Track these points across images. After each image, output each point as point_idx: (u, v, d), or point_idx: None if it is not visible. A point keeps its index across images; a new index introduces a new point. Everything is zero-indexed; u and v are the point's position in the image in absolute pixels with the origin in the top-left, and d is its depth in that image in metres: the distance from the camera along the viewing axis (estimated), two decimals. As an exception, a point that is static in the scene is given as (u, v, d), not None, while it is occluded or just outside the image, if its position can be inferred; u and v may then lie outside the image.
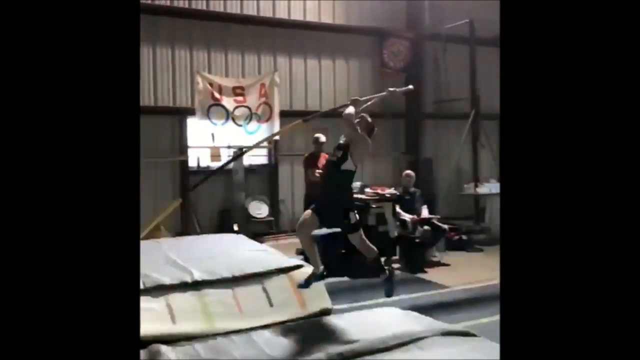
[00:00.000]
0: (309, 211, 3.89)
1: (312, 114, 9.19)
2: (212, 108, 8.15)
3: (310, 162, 6.95)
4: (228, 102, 8.31)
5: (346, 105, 3.91)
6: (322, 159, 6.97)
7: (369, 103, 4.19)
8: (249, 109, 8.41)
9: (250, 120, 8.44)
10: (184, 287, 3.76)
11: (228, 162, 8.02)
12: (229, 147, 8.56)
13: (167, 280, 3.78)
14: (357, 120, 3.85)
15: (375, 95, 4.32)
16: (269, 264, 4.17)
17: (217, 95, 8.17)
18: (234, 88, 8.30)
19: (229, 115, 8.27)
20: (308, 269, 4.22)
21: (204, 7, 8.41)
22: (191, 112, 8.16)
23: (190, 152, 8.58)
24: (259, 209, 8.77)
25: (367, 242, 3.87)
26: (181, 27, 8.26)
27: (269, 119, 8.49)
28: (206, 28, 8.45)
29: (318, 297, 3.96)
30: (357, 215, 3.82)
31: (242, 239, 5.46)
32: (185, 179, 8.46)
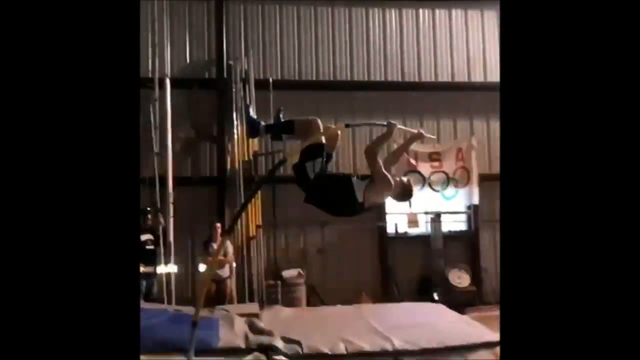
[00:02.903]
0: None
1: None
2: (409, 174, 8.30)
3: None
4: (424, 168, 8.43)
5: (382, 125, 3.52)
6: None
7: (401, 146, 3.83)
8: (446, 174, 8.44)
9: (448, 185, 8.42)
10: (384, 355, 3.75)
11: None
12: (426, 212, 8.55)
13: (367, 347, 3.81)
14: (403, 179, 3.51)
15: (410, 129, 4.10)
16: (471, 337, 3.96)
17: (413, 161, 8.37)
18: (430, 154, 8.49)
19: (425, 181, 8.35)
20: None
21: (399, 79, 8.78)
22: (389, 179, 8.38)
23: (388, 218, 8.72)
24: (460, 278, 8.41)
25: None
26: (377, 99, 8.66)
27: (467, 183, 8.35)
28: (402, 98, 8.73)
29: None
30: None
31: (442, 308, 5.28)
32: (383, 244, 8.58)
